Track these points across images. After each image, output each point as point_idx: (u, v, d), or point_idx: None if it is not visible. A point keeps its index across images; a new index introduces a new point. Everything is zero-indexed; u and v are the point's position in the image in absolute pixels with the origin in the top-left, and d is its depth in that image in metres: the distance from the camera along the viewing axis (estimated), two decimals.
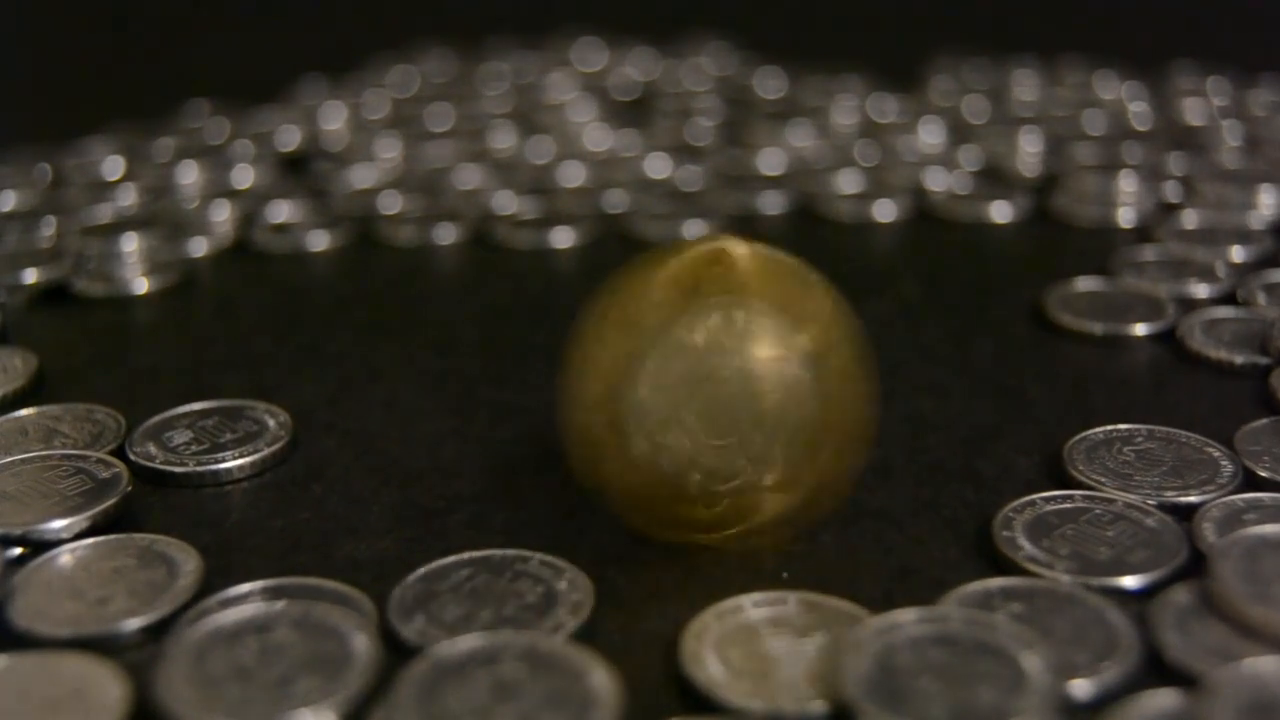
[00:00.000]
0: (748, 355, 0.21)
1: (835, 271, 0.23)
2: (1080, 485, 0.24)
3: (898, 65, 0.54)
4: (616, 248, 0.38)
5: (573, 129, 0.48)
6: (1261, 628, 0.20)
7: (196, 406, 0.28)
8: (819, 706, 0.19)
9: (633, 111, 0.50)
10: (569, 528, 0.24)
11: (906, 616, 0.20)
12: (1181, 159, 0.43)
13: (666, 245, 0.23)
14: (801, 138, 0.46)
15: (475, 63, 0.57)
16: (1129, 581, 0.22)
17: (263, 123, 0.49)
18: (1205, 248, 0.36)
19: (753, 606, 0.21)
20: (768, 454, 0.21)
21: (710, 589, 0.22)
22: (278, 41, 0.66)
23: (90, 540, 0.23)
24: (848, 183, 0.42)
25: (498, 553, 0.23)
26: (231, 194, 0.42)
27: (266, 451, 0.26)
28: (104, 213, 0.40)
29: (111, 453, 0.26)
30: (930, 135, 0.46)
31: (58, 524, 0.24)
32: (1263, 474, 0.25)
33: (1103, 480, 0.24)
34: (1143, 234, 0.38)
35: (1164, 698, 0.19)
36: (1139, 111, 0.48)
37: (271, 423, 0.27)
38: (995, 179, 0.42)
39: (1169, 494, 0.24)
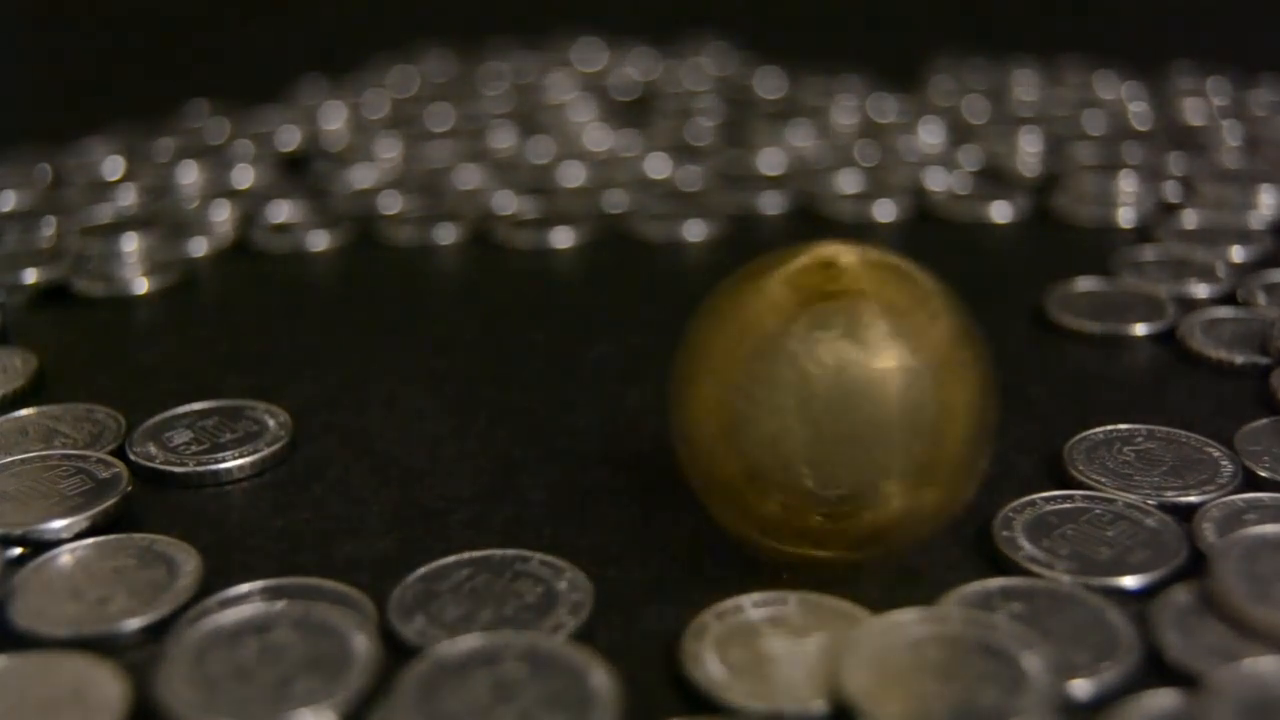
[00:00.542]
0: (863, 364, 0.20)
1: None
2: (1080, 485, 0.24)
3: (898, 65, 0.54)
4: (616, 248, 0.38)
5: (573, 129, 0.48)
6: (1261, 628, 0.20)
7: (196, 406, 0.28)
8: (819, 706, 0.19)
9: (633, 111, 0.50)
10: (569, 528, 0.24)
11: (906, 616, 0.20)
12: (1181, 159, 0.43)
13: (776, 253, 0.22)
14: (801, 138, 0.46)
15: (475, 63, 0.57)
16: (1129, 581, 0.22)
17: (263, 123, 0.49)
18: (1205, 248, 0.36)
19: (752, 606, 0.21)
20: (888, 464, 0.21)
21: (710, 589, 0.22)
22: (278, 41, 0.66)
23: (90, 540, 0.23)
24: (848, 183, 0.42)
25: (498, 553, 0.23)
26: (231, 194, 0.42)
27: (266, 451, 0.26)
28: (104, 213, 0.40)
29: (111, 453, 0.26)
30: (930, 135, 0.46)
31: (58, 524, 0.24)
32: (1263, 474, 0.25)
33: (1103, 480, 0.24)
34: (1143, 234, 0.38)
35: (1164, 698, 0.19)
36: (1139, 111, 0.48)
37: (271, 423, 0.27)
38: (995, 179, 0.42)
39: (1169, 494, 0.24)
